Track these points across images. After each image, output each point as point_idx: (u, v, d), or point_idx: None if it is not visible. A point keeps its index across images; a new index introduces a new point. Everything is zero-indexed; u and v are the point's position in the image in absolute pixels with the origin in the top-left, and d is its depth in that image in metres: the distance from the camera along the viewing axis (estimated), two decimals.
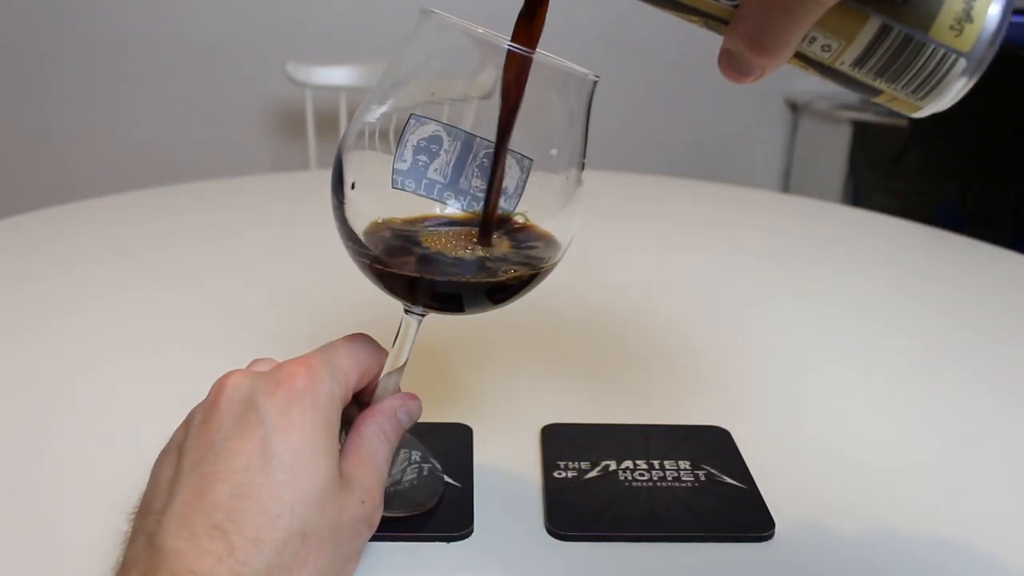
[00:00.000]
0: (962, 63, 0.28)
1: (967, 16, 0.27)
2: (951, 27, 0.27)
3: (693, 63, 2.50)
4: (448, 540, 0.36)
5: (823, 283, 0.73)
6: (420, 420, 0.45)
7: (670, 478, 0.40)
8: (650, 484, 0.40)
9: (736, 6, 0.27)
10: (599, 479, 0.40)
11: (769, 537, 0.37)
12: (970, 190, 1.79)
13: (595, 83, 0.33)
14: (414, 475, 0.39)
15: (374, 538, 0.35)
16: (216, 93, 2.20)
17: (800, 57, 0.29)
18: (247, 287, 0.67)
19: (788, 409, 0.49)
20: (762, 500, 0.39)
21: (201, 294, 0.65)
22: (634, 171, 1.15)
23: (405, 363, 0.37)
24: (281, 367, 0.32)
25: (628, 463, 0.41)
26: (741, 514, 0.38)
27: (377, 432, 0.34)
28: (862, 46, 0.27)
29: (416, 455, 0.41)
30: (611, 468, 0.41)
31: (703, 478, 0.40)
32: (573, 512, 0.38)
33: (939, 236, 0.90)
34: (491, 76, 0.32)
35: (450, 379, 0.52)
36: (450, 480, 0.40)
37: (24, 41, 2.18)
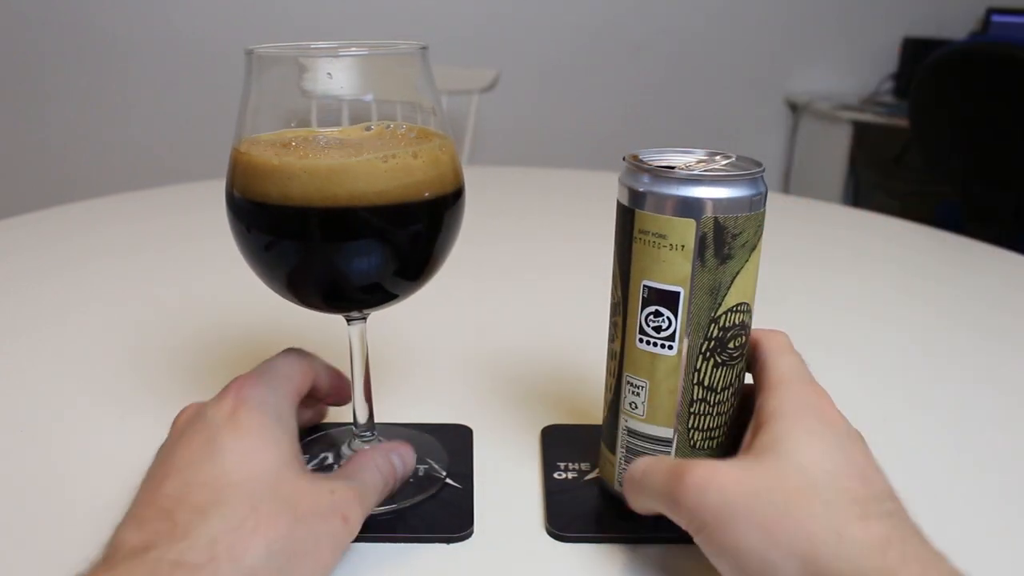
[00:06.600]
0: None
1: None
2: None
3: (693, 63, 2.50)
4: (448, 541, 0.36)
5: (823, 283, 0.73)
6: (421, 421, 0.45)
7: None
8: None
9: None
10: (599, 480, 0.40)
11: None
12: (970, 190, 1.79)
13: (424, 49, 0.36)
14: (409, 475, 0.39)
15: (374, 539, 0.35)
16: (216, 93, 2.20)
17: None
18: (247, 287, 0.67)
19: None
20: None
21: (202, 293, 0.65)
22: None
23: (367, 374, 0.39)
24: (227, 385, 0.34)
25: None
26: None
27: (369, 458, 0.36)
28: None
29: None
30: None
31: None
32: (573, 513, 0.38)
33: (939, 236, 0.90)
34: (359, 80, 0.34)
35: (450, 380, 0.52)
36: (450, 481, 0.40)
37: (24, 41, 2.17)
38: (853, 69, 2.61)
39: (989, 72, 1.59)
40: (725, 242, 0.32)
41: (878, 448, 0.33)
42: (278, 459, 0.31)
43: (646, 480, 0.33)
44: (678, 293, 0.33)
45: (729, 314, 0.33)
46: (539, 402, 0.49)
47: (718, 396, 0.34)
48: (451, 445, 0.43)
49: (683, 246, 0.32)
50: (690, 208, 0.32)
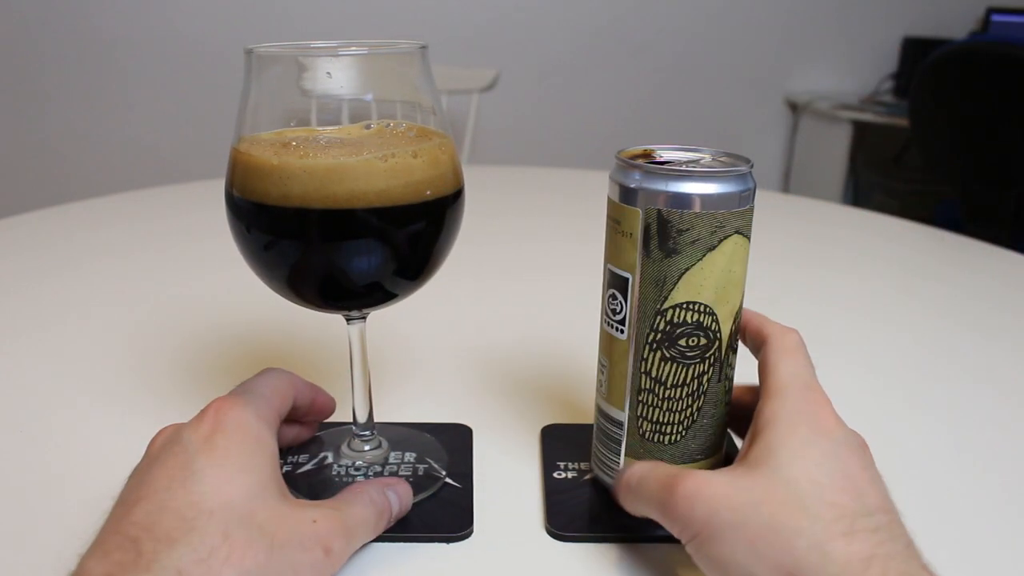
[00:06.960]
0: None
1: None
2: None
3: (693, 63, 2.51)
4: (448, 540, 0.36)
5: (823, 283, 0.73)
6: (420, 420, 0.45)
7: None
8: None
9: None
10: (599, 479, 0.40)
11: None
12: (970, 190, 1.79)
13: (424, 48, 0.36)
14: (408, 474, 0.39)
15: (374, 538, 0.35)
16: (216, 93, 2.21)
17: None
18: (247, 287, 0.67)
19: None
20: None
21: (202, 293, 0.65)
22: None
23: (368, 377, 0.39)
24: (206, 406, 0.33)
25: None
26: None
27: (362, 489, 0.34)
28: None
29: (411, 456, 0.41)
30: None
31: None
32: (572, 513, 0.38)
33: (939, 236, 0.90)
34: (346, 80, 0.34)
35: (450, 380, 0.52)
36: (450, 480, 0.40)
37: (24, 41, 2.17)
38: (853, 69, 2.61)
39: (989, 72, 1.59)
40: (670, 236, 0.32)
41: (878, 448, 0.33)
42: (256, 485, 0.30)
43: (641, 487, 0.33)
44: (627, 279, 0.34)
45: (677, 310, 0.33)
46: (539, 402, 0.49)
47: (668, 391, 0.35)
48: (451, 445, 0.43)
49: (631, 233, 0.33)
50: (635, 197, 0.33)
